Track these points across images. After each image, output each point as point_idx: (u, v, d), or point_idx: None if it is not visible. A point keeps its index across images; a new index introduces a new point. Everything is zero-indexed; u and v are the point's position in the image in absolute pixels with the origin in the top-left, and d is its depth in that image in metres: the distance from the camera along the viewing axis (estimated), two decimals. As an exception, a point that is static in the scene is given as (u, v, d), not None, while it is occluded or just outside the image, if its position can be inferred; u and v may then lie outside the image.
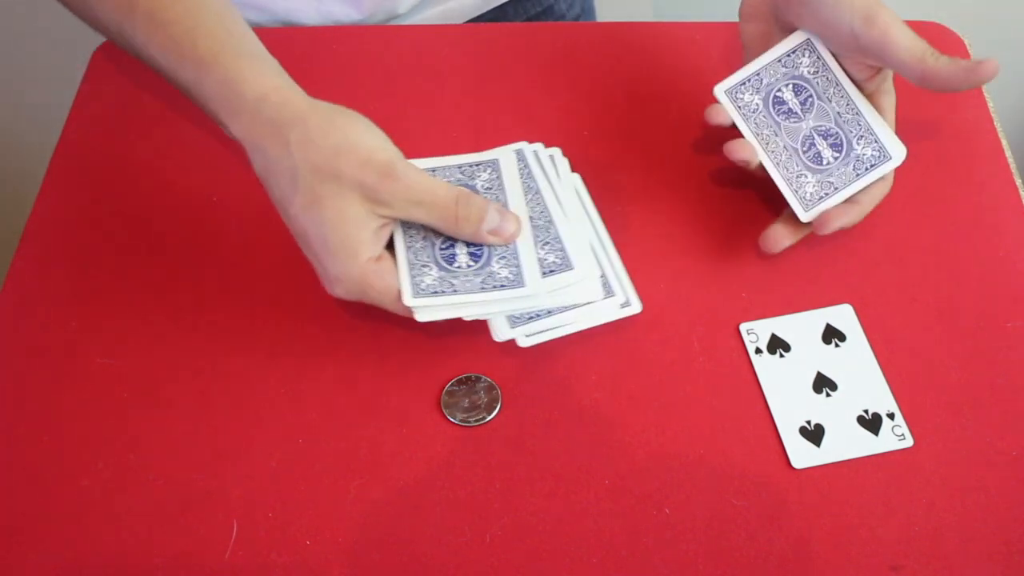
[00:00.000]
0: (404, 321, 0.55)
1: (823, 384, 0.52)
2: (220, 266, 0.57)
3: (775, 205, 0.60)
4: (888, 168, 0.53)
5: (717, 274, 0.57)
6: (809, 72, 0.54)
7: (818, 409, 0.51)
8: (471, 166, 0.53)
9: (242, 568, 0.48)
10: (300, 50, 0.67)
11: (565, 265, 0.49)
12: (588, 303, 0.50)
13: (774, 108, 0.54)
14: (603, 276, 0.52)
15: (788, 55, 0.54)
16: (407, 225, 0.51)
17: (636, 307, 0.52)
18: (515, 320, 0.50)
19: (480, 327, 0.55)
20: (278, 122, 0.48)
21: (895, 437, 0.50)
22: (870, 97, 0.55)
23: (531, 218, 0.51)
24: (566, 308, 0.50)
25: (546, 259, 0.49)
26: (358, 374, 0.54)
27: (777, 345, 0.53)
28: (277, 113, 0.48)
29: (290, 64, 0.66)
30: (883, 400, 0.52)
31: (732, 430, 0.51)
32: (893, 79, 0.55)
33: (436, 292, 0.48)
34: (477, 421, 0.52)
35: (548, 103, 0.64)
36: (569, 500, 0.49)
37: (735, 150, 0.54)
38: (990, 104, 0.64)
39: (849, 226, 0.54)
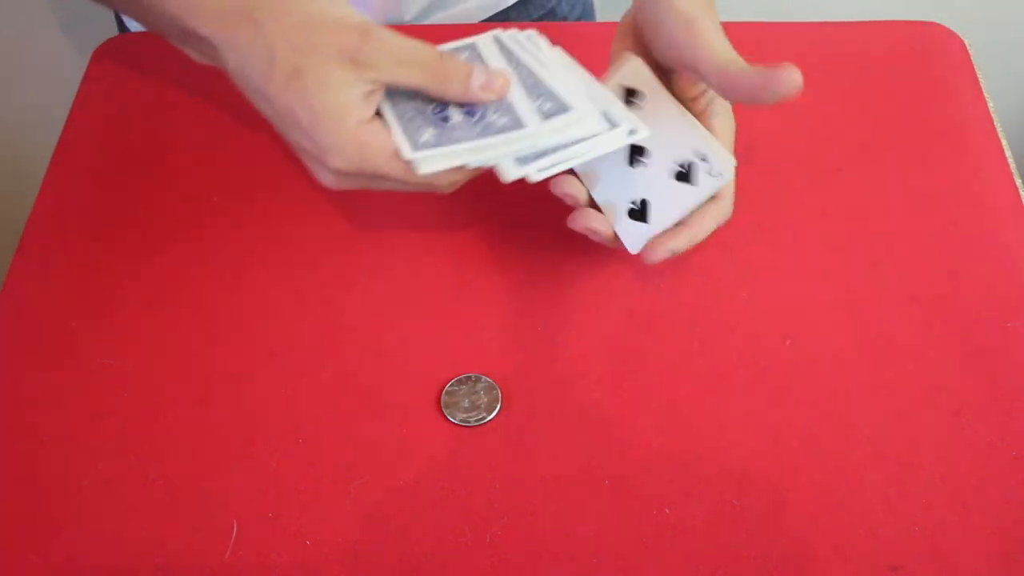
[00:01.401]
0: (404, 321, 0.55)
1: (635, 154, 0.51)
2: (220, 266, 0.57)
3: (778, 203, 0.60)
4: (715, 186, 0.50)
5: (717, 274, 0.57)
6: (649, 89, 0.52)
7: (638, 184, 0.50)
8: (449, 51, 0.51)
9: (242, 568, 0.48)
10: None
11: (561, 108, 0.48)
12: (594, 135, 0.48)
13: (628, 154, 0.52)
14: (604, 113, 0.49)
15: (455, 50, 0.52)
16: (393, 99, 0.49)
17: (644, 132, 0.49)
18: (523, 161, 0.48)
19: (480, 327, 0.55)
20: (243, 6, 0.46)
21: (712, 178, 0.49)
22: (700, 117, 0.52)
23: (519, 80, 0.50)
24: (573, 142, 0.48)
25: (543, 107, 0.48)
26: (358, 374, 0.54)
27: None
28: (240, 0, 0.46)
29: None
30: (693, 146, 0.49)
31: (732, 430, 0.51)
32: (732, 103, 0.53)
33: (436, 144, 0.47)
34: (477, 421, 0.52)
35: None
36: (569, 500, 0.49)
37: (560, 186, 0.52)
38: (990, 104, 0.64)
39: (680, 251, 0.51)
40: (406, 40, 0.46)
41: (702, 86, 0.52)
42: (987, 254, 0.57)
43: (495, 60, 0.51)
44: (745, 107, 0.60)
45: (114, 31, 0.78)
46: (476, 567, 0.48)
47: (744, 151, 0.62)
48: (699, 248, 0.58)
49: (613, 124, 0.48)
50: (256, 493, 0.50)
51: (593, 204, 0.53)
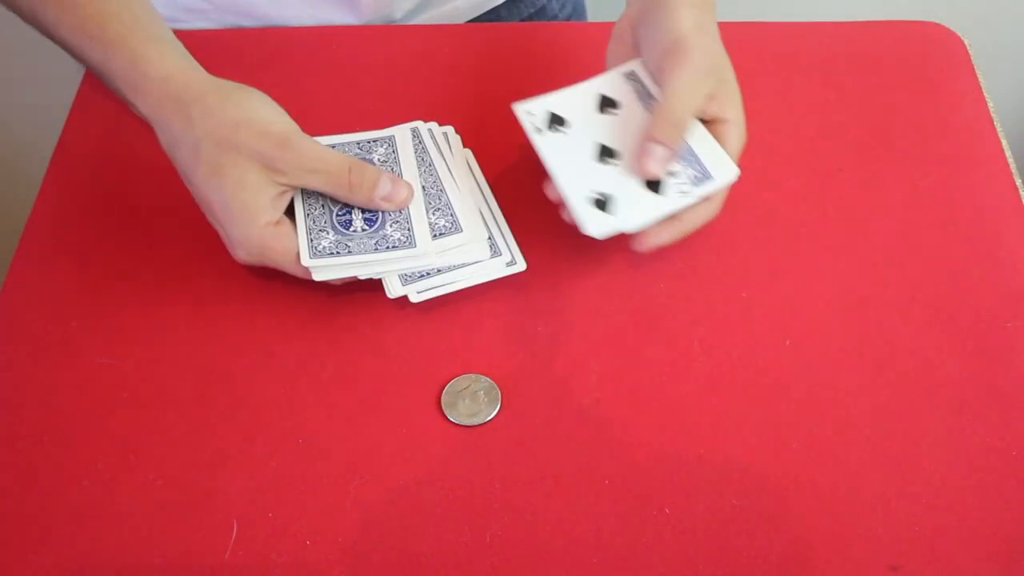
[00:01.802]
0: (404, 321, 0.55)
1: (604, 154, 0.53)
2: (220, 266, 0.57)
3: (778, 203, 0.60)
4: (709, 188, 0.52)
5: (717, 275, 0.57)
6: (379, 159, 0.56)
7: (605, 180, 0.52)
8: (368, 142, 0.57)
9: (242, 568, 0.48)
10: (296, 52, 0.67)
11: (455, 228, 0.53)
12: (476, 262, 0.53)
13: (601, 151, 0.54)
14: (491, 239, 0.55)
15: (368, 141, 0.57)
16: (307, 194, 0.54)
17: (521, 265, 0.54)
18: (407, 279, 0.53)
19: (480, 327, 0.55)
20: (182, 100, 0.51)
21: (682, 195, 0.51)
22: (709, 125, 0.53)
23: (424, 188, 0.55)
24: (455, 267, 0.53)
25: (437, 223, 0.53)
26: (358, 374, 0.54)
27: (555, 121, 0.54)
28: (180, 92, 0.51)
29: (287, 66, 0.67)
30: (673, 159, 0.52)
31: (732, 430, 0.51)
32: (744, 111, 0.54)
33: (332, 253, 0.52)
34: (477, 421, 0.52)
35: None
36: (569, 500, 0.49)
37: (553, 191, 0.53)
38: (990, 104, 0.64)
39: (669, 243, 0.53)
40: (320, 151, 0.52)
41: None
42: (987, 254, 0.57)
43: (408, 158, 0.56)
44: (745, 106, 0.60)
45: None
46: (476, 567, 0.48)
47: (744, 151, 0.62)
48: (699, 248, 0.58)
49: (496, 251, 0.54)
50: (256, 493, 0.50)
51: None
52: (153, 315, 0.56)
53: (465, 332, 0.55)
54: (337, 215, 0.53)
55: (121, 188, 0.61)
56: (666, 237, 0.53)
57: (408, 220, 0.53)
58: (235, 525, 0.49)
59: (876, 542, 0.48)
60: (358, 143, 0.57)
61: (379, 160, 0.55)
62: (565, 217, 0.53)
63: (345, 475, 0.50)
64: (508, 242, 0.55)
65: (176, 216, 0.60)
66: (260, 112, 0.52)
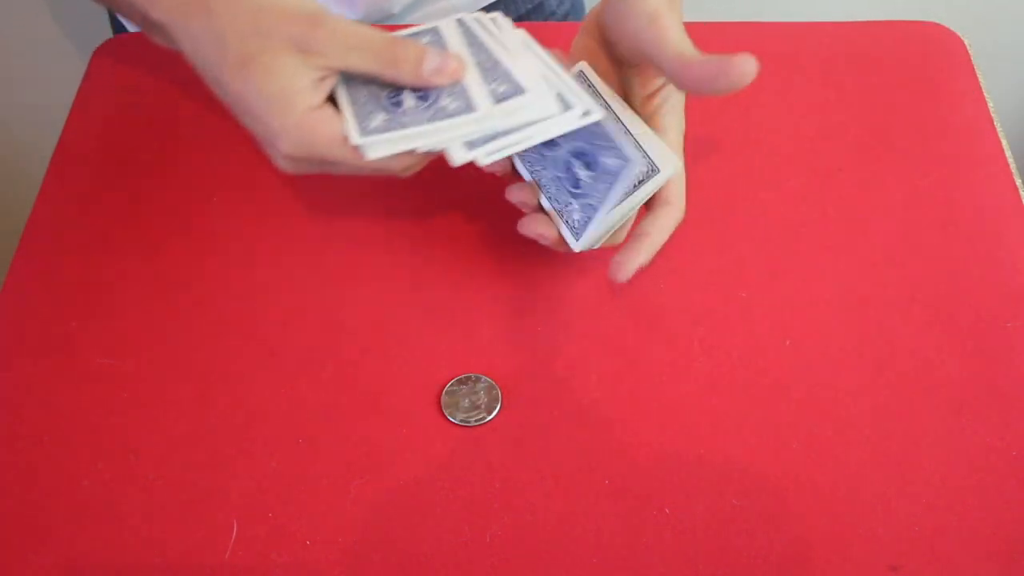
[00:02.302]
0: (404, 321, 0.55)
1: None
2: (220, 266, 0.57)
3: (778, 203, 0.60)
4: (656, 183, 0.48)
5: (718, 275, 0.57)
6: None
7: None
8: (412, 35, 0.51)
9: (242, 568, 0.48)
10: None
11: (516, 91, 0.47)
12: (546, 118, 0.48)
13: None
14: (559, 95, 0.49)
15: (413, 36, 0.51)
16: (349, 84, 0.49)
17: (598, 113, 0.48)
18: (473, 145, 0.47)
19: (480, 327, 0.55)
20: None
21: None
22: (651, 116, 0.51)
23: (478, 63, 0.49)
24: (523, 126, 0.48)
25: (497, 90, 0.48)
26: (358, 374, 0.54)
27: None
28: None
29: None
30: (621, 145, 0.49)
31: (732, 430, 0.51)
32: (685, 103, 0.52)
33: (385, 130, 0.47)
34: (477, 421, 0.52)
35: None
36: (569, 500, 0.49)
37: (513, 193, 0.52)
38: (990, 104, 0.64)
39: (646, 263, 0.49)
40: (356, 26, 0.47)
41: (658, 83, 0.51)
42: (987, 254, 0.57)
43: (456, 43, 0.50)
44: (744, 106, 0.60)
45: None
46: (476, 567, 0.48)
47: (744, 151, 0.62)
48: (699, 248, 0.58)
49: (567, 106, 0.48)
50: (256, 493, 0.50)
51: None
52: (153, 315, 0.56)
53: (465, 332, 0.55)
54: (387, 97, 0.48)
55: (121, 188, 0.61)
56: (641, 258, 0.50)
57: (463, 90, 0.48)
58: (235, 525, 0.49)
59: (876, 542, 0.48)
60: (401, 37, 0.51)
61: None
62: (526, 232, 0.51)
63: (345, 475, 0.50)
64: (580, 94, 0.49)
65: (176, 216, 0.60)
66: None
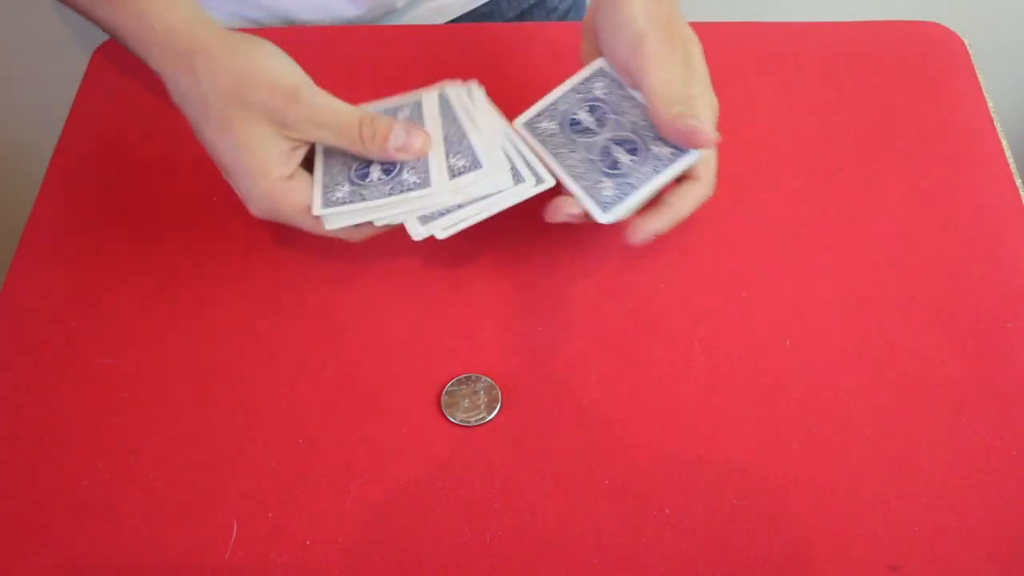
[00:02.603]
0: (404, 321, 0.55)
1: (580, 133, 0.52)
2: (220, 266, 0.57)
3: (778, 203, 0.60)
4: (687, 162, 0.50)
5: (718, 275, 0.57)
6: (603, 93, 0.53)
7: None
8: (395, 108, 0.55)
9: (242, 568, 0.48)
10: (294, 50, 0.67)
11: (474, 165, 0.51)
12: (499, 192, 0.51)
13: (571, 129, 0.53)
14: (513, 168, 0.52)
15: (583, 83, 0.54)
16: (328, 151, 0.53)
17: (549, 182, 0.51)
18: (428, 219, 0.50)
19: (480, 327, 0.55)
20: (186, 52, 0.50)
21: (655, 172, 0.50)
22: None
23: (445, 136, 0.52)
24: (479, 199, 0.51)
25: (456, 164, 0.51)
26: (358, 374, 0.54)
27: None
28: (185, 44, 0.50)
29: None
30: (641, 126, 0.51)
31: (732, 430, 0.51)
32: (711, 84, 0.53)
33: (346, 202, 0.50)
34: (477, 421, 0.52)
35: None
36: (569, 500, 0.49)
37: (561, 207, 0.52)
38: (990, 104, 0.64)
39: (663, 231, 0.51)
40: (331, 103, 0.51)
41: None
42: (987, 254, 0.57)
43: (432, 115, 0.54)
44: (745, 106, 0.60)
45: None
46: (476, 567, 0.48)
47: (744, 151, 0.62)
48: (699, 248, 0.58)
49: (519, 178, 0.51)
50: (256, 493, 0.50)
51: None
52: (153, 315, 0.56)
53: (465, 332, 0.55)
54: (356, 170, 0.52)
55: (121, 188, 0.61)
56: (659, 225, 0.51)
57: (425, 164, 0.51)
58: (235, 525, 0.49)
59: (876, 542, 0.48)
60: (385, 110, 0.54)
61: (403, 118, 0.53)
62: (557, 218, 0.52)
63: (345, 475, 0.50)
64: (533, 166, 0.52)
65: (176, 216, 0.60)
66: (268, 64, 0.50)
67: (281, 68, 0.50)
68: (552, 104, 0.54)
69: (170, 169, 0.62)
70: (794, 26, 0.69)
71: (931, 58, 0.67)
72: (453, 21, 0.77)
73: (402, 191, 0.50)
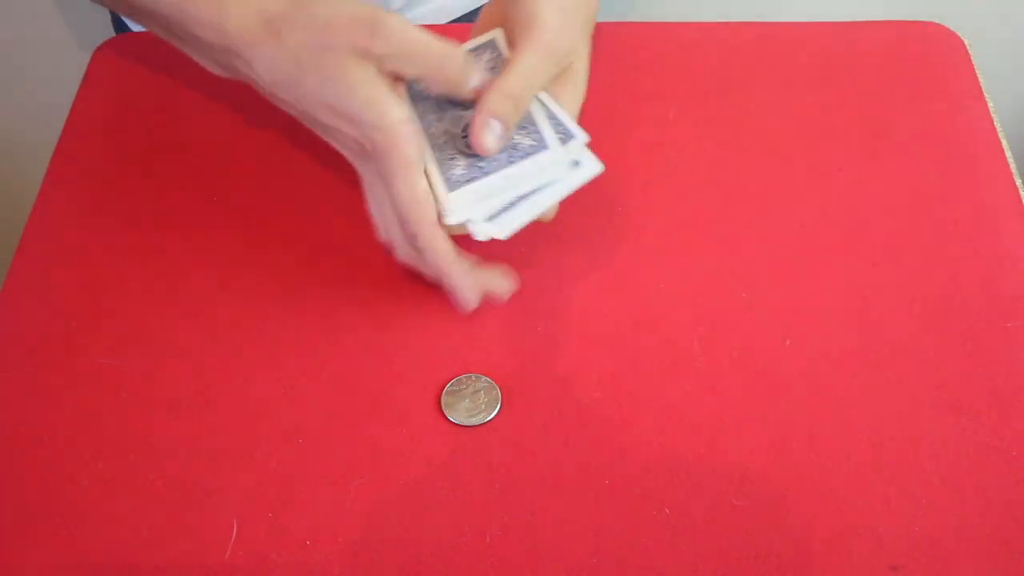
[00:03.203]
0: (404, 321, 0.55)
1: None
2: (220, 266, 0.57)
3: (778, 203, 0.60)
4: (547, 159, 0.49)
5: (718, 275, 0.57)
6: (488, 68, 0.51)
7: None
8: (474, 50, 0.53)
9: (242, 568, 0.48)
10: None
11: (567, 135, 0.49)
12: (556, 180, 0.50)
13: (441, 97, 0.51)
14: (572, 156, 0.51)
15: (473, 50, 0.53)
16: (422, 115, 0.51)
17: (598, 166, 0.50)
18: (493, 217, 0.49)
19: (480, 327, 0.55)
20: (264, 18, 0.48)
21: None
22: (552, 89, 0.52)
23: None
24: (532, 191, 0.49)
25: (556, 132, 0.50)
26: (358, 374, 0.54)
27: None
28: (263, 8, 0.48)
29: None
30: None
31: (732, 430, 0.51)
32: (588, 74, 0.53)
33: (468, 180, 0.48)
34: (477, 421, 0.52)
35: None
36: (569, 500, 0.49)
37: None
38: (990, 104, 0.64)
39: (511, 117, 0.49)
40: (411, 31, 0.48)
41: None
42: (987, 254, 0.57)
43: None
44: (745, 106, 0.60)
45: (114, 31, 0.78)
46: (476, 567, 0.48)
47: (743, 151, 0.62)
48: (699, 248, 0.58)
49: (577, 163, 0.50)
50: (256, 493, 0.50)
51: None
52: (153, 315, 0.56)
53: (465, 332, 0.55)
54: (463, 138, 0.49)
55: (121, 188, 0.61)
56: (503, 107, 0.49)
57: (534, 124, 0.49)
58: (235, 525, 0.49)
59: (876, 542, 0.48)
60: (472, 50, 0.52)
61: (488, 66, 0.51)
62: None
63: (345, 475, 0.50)
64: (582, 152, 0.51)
65: (176, 216, 0.60)
66: (344, 3, 0.48)
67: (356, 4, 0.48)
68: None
69: (170, 169, 0.62)
70: (794, 26, 0.69)
71: (931, 58, 0.67)
72: (453, 22, 0.77)
73: (522, 157, 0.48)
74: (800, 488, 0.50)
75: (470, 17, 0.77)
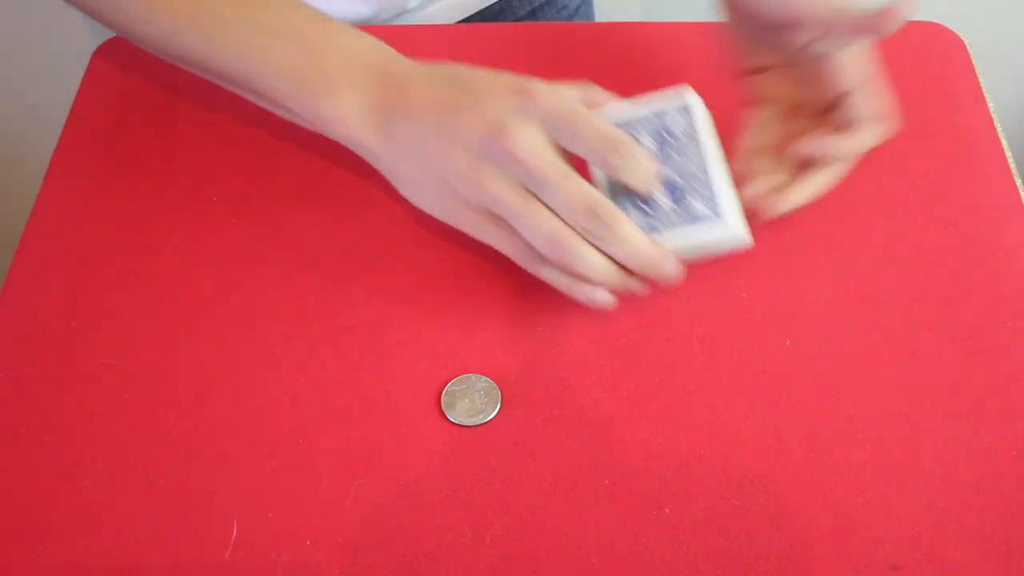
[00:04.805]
0: (404, 321, 0.55)
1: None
2: (220, 266, 0.57)
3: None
4: (716, 229, 0.49)
5: (717, 274, 0.57)
6: (677, 129, 0.51)
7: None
8: (662, 113, 0.52)
9: (242, 568, 0.48)
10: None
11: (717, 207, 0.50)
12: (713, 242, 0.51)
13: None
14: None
15: (663, 109, 0.52)
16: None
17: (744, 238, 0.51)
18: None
19: (480, 327, 0.55)
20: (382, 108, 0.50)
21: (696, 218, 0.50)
22: (846, 127, 0.54)
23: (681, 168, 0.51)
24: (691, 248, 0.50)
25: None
26: (358, 374, 0.54)
27: None
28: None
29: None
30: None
31: (732, 429, 0.51)
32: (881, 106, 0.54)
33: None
34: (477, 421, 0.52)
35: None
36: (569, 500, 0.49)
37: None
38: (990, 104, 0.64)
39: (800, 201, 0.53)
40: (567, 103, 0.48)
41: (809, 36, 0.52)
42: (987, 254, 0.57)
43: (706, 128, 0.51)
44: (746, 109, 0.60)
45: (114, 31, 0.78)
46: (476, 567, 0.48)
47: (735, 150, 0.62)
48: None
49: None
50: (256, 493, 0.50)
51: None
52: (153, 315, 0.56)
53: (465, 332, 0.55)
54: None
55: (121, 188, 0.61)
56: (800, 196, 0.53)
57: (709, 187, 0.50)
58: (235, 525, 0.49)
59: (876, 542, 0.48)
60: (655, 113, 0.51)
61: (682, 132, 0.51)
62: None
63: (345, 475, 0.50)
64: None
65: (176, 216, 0.60)
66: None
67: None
68: (622, 111, 0.52)
69: (170, 169, 0.62)
70: (794, 26, 0.69)
71: (931, 58, 0.67)
72: (464, 21, 0.77)
73: (693, 220, 0.49)
74: (800, 488, 0.50)
75: (480, 16, 0.77)
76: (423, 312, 0.56)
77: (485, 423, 0.52)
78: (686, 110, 0.51)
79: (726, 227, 0.49)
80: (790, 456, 0.51)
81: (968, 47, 0.68)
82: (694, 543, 0.48)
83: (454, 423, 0.52)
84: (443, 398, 0.52)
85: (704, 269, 0.57)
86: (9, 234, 0.68)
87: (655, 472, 0.50)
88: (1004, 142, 0.62)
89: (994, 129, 0.63)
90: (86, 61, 0.68)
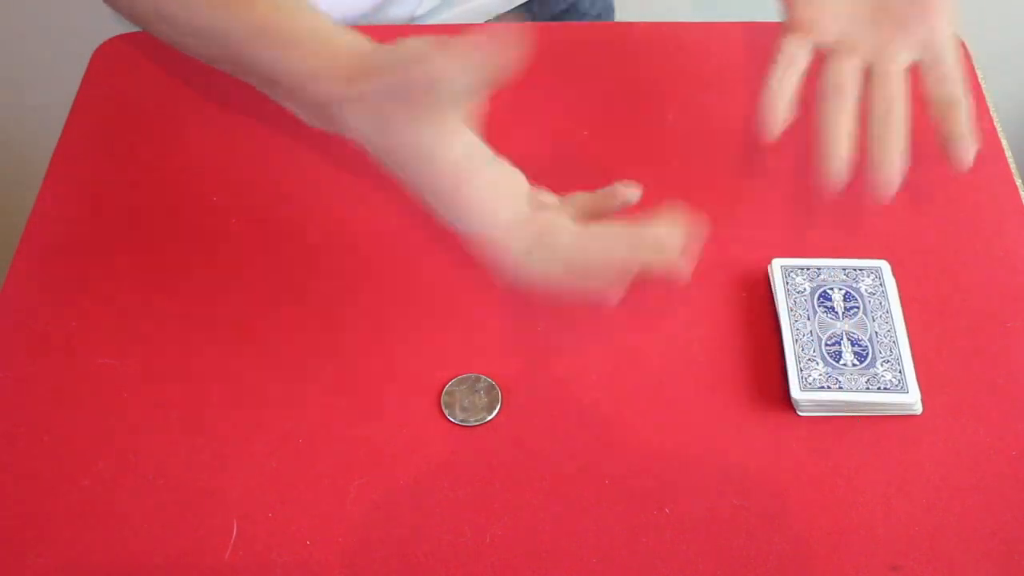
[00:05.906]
0: (404, 321, 0.55)
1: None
2: (220, 266, 0.57)
3: (778, 203, 0.60)
4: (900, 400, 0.51)
5: (717, 275, 0.57)
6: (866, 290, 0.54)
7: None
8: (854, 270, 0.55)
9: (242, 568, 0.48)
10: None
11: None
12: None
13: (818, 300, 0.54)
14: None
15: (855, 269, 0.55)
16: (794, 316, 0.53)
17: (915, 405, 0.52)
18: (806, 383, 0.51)
19: (480, 327, 0.55)
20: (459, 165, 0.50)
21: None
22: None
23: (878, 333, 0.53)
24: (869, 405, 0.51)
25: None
26: (358, 374, 0.54)
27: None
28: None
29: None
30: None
31: (732, 430, 0.51)
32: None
33: (822, 387, 0.51)
34: (477, 421, 0.52)
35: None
36: (569, 500, 0.49)
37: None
38: (990, 104, 0.64)
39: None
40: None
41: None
42: (987, 254, 0.57)
43: (893, 293, 0.54)
44: (745, 105, 0.60)
45: (114, 31, 0.78)
46: (476, 567, 0.48)
47: (743, 151, 0.62)
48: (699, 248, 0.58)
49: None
50: (256, 493, 0.50)
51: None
52: (153, 315, 0.56)
53: (465, 332, 0.55)
54: (826, 344, 0.52)
55: (121, 188, 0.61)
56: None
57: (899, 359, 0.52)
58: (235, 525, 0.49)
59: (876, 542, 0.48)
60: (843, 269, 0.55)
61: (866, 291, 0.54)
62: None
63: (345, 475, 0.50)
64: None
65: (176, 216, 0.60)
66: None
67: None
68: (817, 267, 0.55)
69: (170, 169, 0.62)
70: (794, 26, 0.69)
71: (931, 58, 0.67)
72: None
73: (878, 388, 0.51)
74: (800, 488, 0.50)
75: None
76: (423, 312, 0.56)
77: (485, 423, 0.52)
78: (878, 273, 0.55)
79: (909, 400, 0.51)
80: (790, 456, 0.50)
81: (968, 47, 0.68)
82: (694, 543, 0.48)
83: (454, 423, 0.52)
84: (443, 398, 0.52)
85: (704, 269, 0.57)
86: (9, 234, 0.68)
87: (655, 472, 0.50)
88: (1004, 142, 0.62)
89: (994, 129, 0.63)
90: (86, 61, 0.68)
